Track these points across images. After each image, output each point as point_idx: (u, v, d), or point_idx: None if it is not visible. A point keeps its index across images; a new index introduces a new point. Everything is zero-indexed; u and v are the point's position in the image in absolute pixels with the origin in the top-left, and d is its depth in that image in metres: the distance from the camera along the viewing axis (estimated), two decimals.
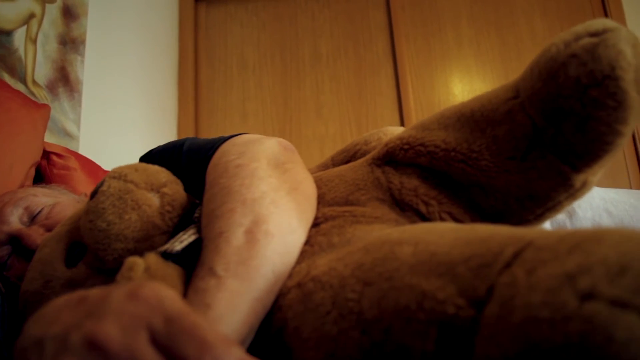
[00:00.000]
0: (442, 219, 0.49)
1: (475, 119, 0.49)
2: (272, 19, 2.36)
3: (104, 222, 0.52)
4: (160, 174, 0.58)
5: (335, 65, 2.28)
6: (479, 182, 0.47)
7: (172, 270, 0.45)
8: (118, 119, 1.74)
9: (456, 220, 0.49)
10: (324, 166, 0.70)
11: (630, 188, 2.06)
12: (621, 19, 2.18)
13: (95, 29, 1.61)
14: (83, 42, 1.54)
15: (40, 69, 1.35)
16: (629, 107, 0.38)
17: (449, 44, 2.25)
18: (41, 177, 1.12)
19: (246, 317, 0.41)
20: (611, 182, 2.08)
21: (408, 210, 0.50)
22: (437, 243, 0.35)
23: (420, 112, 2.18)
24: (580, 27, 0.43)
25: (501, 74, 2.21)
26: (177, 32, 2.30)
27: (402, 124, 2.17)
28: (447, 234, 0.36)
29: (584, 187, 0.45)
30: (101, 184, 0.55)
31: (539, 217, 0.47)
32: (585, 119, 0.40)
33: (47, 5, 1.39)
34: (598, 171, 0.46)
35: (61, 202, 0.77)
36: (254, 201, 0.48)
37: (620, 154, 2.10)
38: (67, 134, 1.43)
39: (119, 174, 0.55)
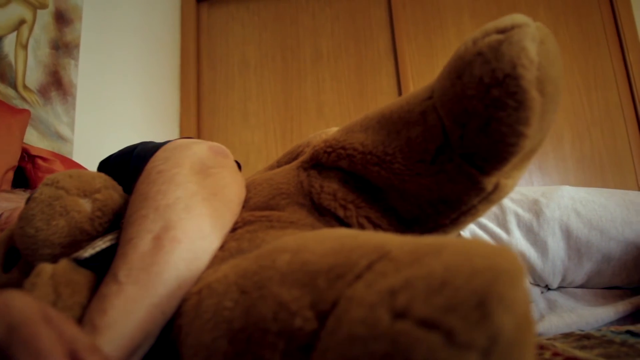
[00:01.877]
0: (359, 224, 0.47)
1: (393, 121, 0.47)
2: (273, 18, 2.36)
3: (32, 228, 0.53)
4: (96, 179, 0.58)
5: (336, 64, 2.27)
6: (393, 186, 0.46)
7: (80, 277, 0.45)
8: (116, 121, 1.77)
9: (374, 224, 0.47)
10: (270, 168, 0.69)
11: (639, 189, 2.00)
12: (627, 9, 2.12)
13: (90, 33, 1.63)
14: (77, 46, 1.57)
15: (32, 74, 1.37)
16: (529, 107, 0.36)
17: (451, 41, 2.21)
18: (26, 180, 1.14)
19: (142, 324, 0.40)
20: (619, 183, 2.02)
21: (326, 214, 0.49)
22: (313, 251, 0.34)
23: None
24: (491, 24, 0.42)
25: None
26: (179, 33, 2.32)
27: None
28: (327, 242, 0.35)
29: (497, 190, 0.43)
30: (35, 191, 0.56)
31: (455, 222, 0.45)
32: (487, 120, 0.38)
33: (39, 11, 1.42)
34: (514, 174, 0.44)
35: (22, 207, 0.79)
36: (166, 207, 0.47)
37: (627, 154, 2.04)
38: (61, 137, 1.46)
39: (52, 181, 0.56)
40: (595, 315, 0.77)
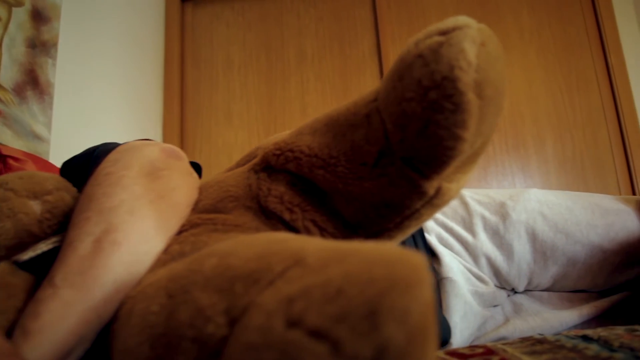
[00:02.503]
0: (305, 227, 0.47)
1: (339, 123, 0.47)
2: (257, 18, 2.35)
3: None
4: (48, 181, 0.58)
5: (321, 65, 2.26)
6: (338, 189, 0.45)
7: (18, 280, 0.45)
8: (96, 121, 1.75)
9: (320, 228, 0.47)
10: (230, 170, 0.68)
11: (620, 194, 2.01)
12: (610, 13, 2.13)
13: (69, 32, 1.62)
14: (55, 45, 1.55)
15: (6, 72, 1.36)
16: (466, 110, 0.36)
17: None
18: None
19: (75, 328, 0.40)
20: (601, 185, 2.03)
21: (273, 218, 0.48)
22: (239, 255, 0.34)
23: None
24: (435, 26, 0.41)
25: None
26: (163, 33, 2.30)
27: None
28: (255, 246, 0.35)
29: (440, 194, 0.43)
30: None
31: (400, 226, 0.45)
32: (426, 123, 0.37)
33: (14, 9, 1.40)
34: (458, 178, 0.44)
35: None
36: (110, 210, 0.47)
37: (608, 156, 2.05)
38: (37, 137, 1.44)
39: (1, 182, 0.55)
40: (559, 318, 0.77)
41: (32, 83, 1.45)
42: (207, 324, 0.29)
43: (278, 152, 0.50)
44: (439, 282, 0.76)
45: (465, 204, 0.83)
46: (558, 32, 2.17)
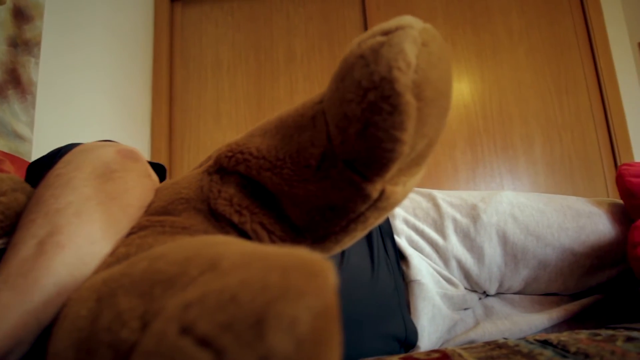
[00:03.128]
0: (253, 230, 0.46)
1: (287, 125, 0.46)
2: (247, 18, 2.34)
3: None
4: (4, 182, 0.57)
5: (310, 65, 2.26)
6: (284, 192, 0.45)
7: None
8: (81, 121, 1.74)
9: (268, 231, 0.46)
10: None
11: (607, 195, 2.00)
12: (598, 14, 2.12)
13: (52, 31, 1.61)
14: (38, 43, 1.54)
15: None
16: (404, 111, 0.35)
17: None
18: None
19: (12, 330, 0.39)
20: (589, 186, 2.02)
21: (222, 220, 0.48)
22: (167, 259, 0.33)
23: None
24: (379, 26, 0.40)
25: (476, 72, 2.17)
26: (151, 32, 2.30)
27: None
28: (185, 250, 0.34)
29: (384, 198, 0.42)
30: None
31: (346, 229, 0.44)
32: (365, 125, 0.37)
33: None
34: (403, 180, 0.43)
35: None
36: (56, 212, 0.46)
37: (597, 158, 2.05)
38: (18, 136, 1.44)
39: None
40: (529, 322, 0.77)
41: (14, 82, 1.44)
42: (122, 328, 0.28)
43: (230, 154, 0.50)
44: (408, 284, 0.75)
45: (437, 206, 0.82)
46: (547, 33, 2.17)
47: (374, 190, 0.41)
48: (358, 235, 0.46)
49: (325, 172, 0.42)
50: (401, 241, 0.78)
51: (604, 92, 2.08)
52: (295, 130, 0.45)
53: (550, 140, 2.09)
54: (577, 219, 0.79)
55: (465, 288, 0.82)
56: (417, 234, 0.80)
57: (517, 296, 0.83)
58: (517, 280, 0.80)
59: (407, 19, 0.39)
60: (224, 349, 0.20)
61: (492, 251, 0.78)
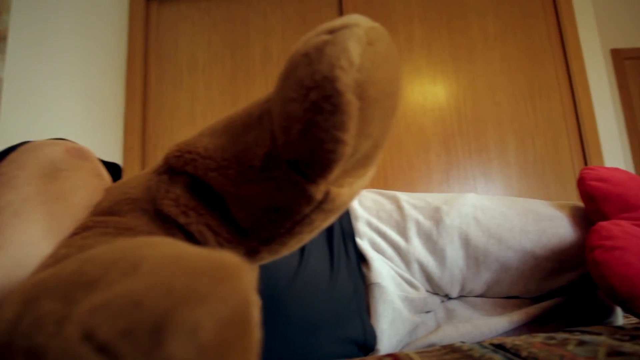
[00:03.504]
0: (199, 232, 0.45)
1: (235, 124, 0.45)
2: (223, 18, 2.32)
3: None
4: None
5: None
6: (230, 193, 0.44)
7: None
8: (51, 119, 1.71)
9: (214, 232, 0.45)
10: None
11: (579, 201, 2.03)
12: (572, 21, 2.15)
13: (20, 25, 1.58)
14: (5, 38, 1.51)
15: None
16: (345, 111, 0.34)
17: (400, 45, 2.22)
18: None
19: None
20: (561, 190, 2.05)
21: (168, 221, 0.46)
22: (96, 262, 0.32)
23: None
24: (326, 24, 0.40)
25: (452, 75, 2.18)
26: (126, 30, 2.27)
27: None
28: (116, 252, 0.33)
29: (329, 200, 0.41)
30: None
31: (291, 232, 0.43)
32: (307, 125, 0.36)
33: None
34: (349, 182, 0.43)
35: None
36: None
37: (568, 162, 2.07)
38: None
39: None
40: (489, 325, 0.77)
41: None
42: (38, 333, 0.27)
43: (178, 153, 0.48)
44: (368, 287, 0.75)
45: (400, 209, 0.82)
46: (521, 38, 2.19)
47: (318, 191, 0.40)
48: (305, 237, 0.45)
49: (269, 173, 0.41)
50: (363, 243, 0.78)
51: (576, 97, 2.11)
52: (243, 129, 0.44)
53: (524, 144, 2.11)
54: (539, 222, 0.80)
55: (427, 291, 0.81)
56: (380, 237, 0.79)
57: (479, 299, 0.83)
58: (479, 283, 0.80)
59: (355, 18, 0.38)
60: (120, 356, 0.19)
61: (454, 254, 0.78)
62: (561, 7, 2.17)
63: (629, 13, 2.82)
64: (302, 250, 0.71)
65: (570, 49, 2.14)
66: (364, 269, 0.76)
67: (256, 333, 0.23)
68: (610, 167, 0.85)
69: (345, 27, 0.37)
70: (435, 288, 0.81)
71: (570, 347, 0.53)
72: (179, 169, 0.49)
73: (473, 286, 0.81)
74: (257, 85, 2.24)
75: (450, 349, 0.59)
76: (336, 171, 0.38)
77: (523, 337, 0.64)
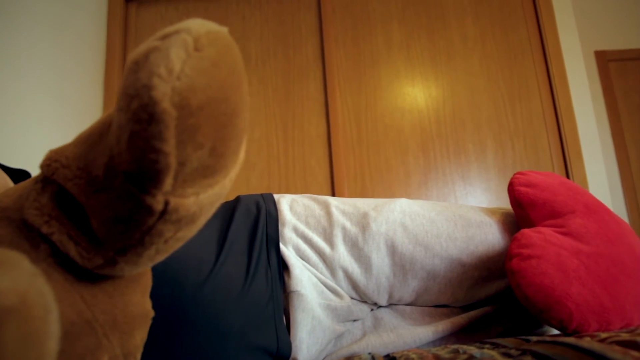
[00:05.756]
0: (60, 241, 0.44)
1: (94, 132, 0.45)
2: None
3: None
4: None
5: (264, 68, 2.24)
6: (83, 202, 0.43)
7: None
8: (25, 124, 1.71)
9: (75, 242, 0.44)
10: None
11: None
12: (551, 23, 2.13)
13: None
14: None
15: None
16: (161, 121, 0.33)
17: (379, 47, 2.20)
18: None
19: None
20: None
21: (33, 231, 0.46)
22: None
23: (347, 116, 2.14)
24: (165, 29, 0.39)
25: (430, 77, 2.16)
26: (104, 32, 2.27)
27: (328, 128, 2.13)
28: None
29: (172, 211, 0.40)
30: None
31: (142, 242, 0.42)
32: (130, 135, 0.35)
33: None
34: (192, 192, 0.41)
35: None
36: None
37: (548, 164, 2.05)
38: None
39: None
40: (413, 335, 0.75)
41: None
42: None
43: (47, 161, 0.47)
44: (287, 295, 0.73)
45: (329, 214, 0.80)
46: (501, 40, 2.17)
47: (155, 202, 0.39)
48: (165, 248, 0.44)
49: (109, 182, 0.40)
50: (286, 250, 0.77)
51: (556, 99, 2.08)
52: (97, 138, 0.43)
53: (503, 147, 2.09)
54: (467, 229, 0.78)
55: (354, 299, 0.80)
56: (305, 243, 0.78)
57: (408, 307, 0.82)
58: (407, 291, 0.79)
59: (188, 23, 0.37)
60: None
61: (380, 261, 0.77)
62: (541, 8, 2.15)
63: (613, 15, 2.79)
64: (218, 256, 0.70)
65: (550, 51, 2.11)
66: (285, 277, 0.75)
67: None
68: (545, 172, 0.84)
69: (175, 32, 0.36)
70: (362, 296, 0.80)
71: None
72: (50, 177, 0.48)
73: (401, 294, 0.79)
74: None
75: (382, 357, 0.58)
76: (168, 181, 0.37)
77: (421, 350, 0.62)
